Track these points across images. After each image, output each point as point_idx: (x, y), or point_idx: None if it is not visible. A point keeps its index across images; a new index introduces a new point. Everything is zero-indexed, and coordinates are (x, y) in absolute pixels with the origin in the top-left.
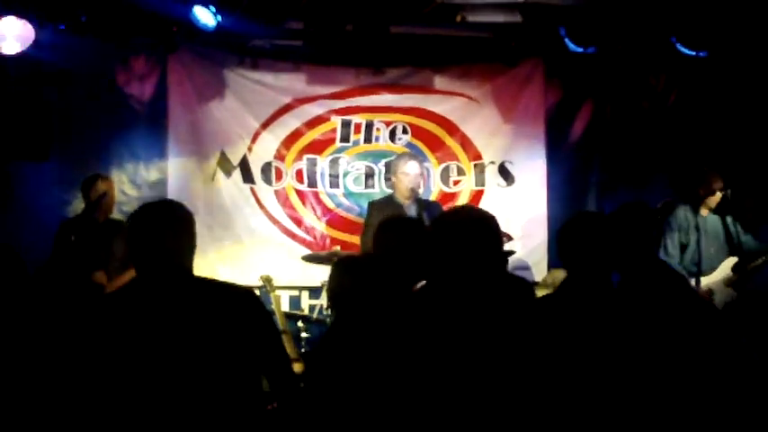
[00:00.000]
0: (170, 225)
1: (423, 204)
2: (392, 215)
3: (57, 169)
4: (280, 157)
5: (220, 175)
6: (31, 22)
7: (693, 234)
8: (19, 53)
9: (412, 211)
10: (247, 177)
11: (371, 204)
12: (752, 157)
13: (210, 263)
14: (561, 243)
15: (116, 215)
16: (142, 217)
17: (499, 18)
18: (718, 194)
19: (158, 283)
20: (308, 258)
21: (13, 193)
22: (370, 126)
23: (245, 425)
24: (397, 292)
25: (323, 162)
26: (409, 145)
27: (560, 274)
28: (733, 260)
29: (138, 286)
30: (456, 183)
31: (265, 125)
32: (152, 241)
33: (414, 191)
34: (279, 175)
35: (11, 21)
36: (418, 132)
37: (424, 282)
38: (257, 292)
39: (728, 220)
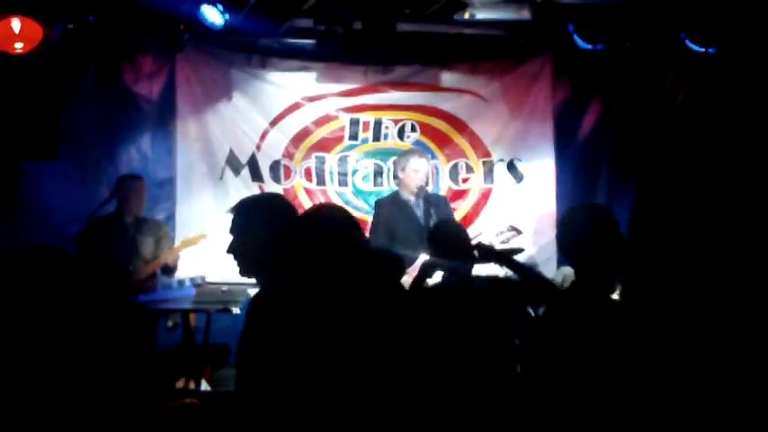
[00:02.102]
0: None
1: (430, 200)
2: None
3: (65, 168)
4: (288, 155)
5: (229, 173)
6: (39, 21)
7: None
8: (27, 52)
9: (419, 207)
10: (256, 176)
11: (378, 203)
12: (759, 157)
13: (220, 261)
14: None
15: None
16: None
17: (508, 15)
18: None
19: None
20: None
21: (21, 192)
22: (378, 124)
23: None
24: None
25: (332, 160)
26: (418, 143)
27: (569, 272)
28: None
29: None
30: (465, 180)
31: (274, 123)
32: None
33: (422, 188)
34: (287, 174)
35: (19, 20)
36: (427, 130)
37: None
38: None
39: None
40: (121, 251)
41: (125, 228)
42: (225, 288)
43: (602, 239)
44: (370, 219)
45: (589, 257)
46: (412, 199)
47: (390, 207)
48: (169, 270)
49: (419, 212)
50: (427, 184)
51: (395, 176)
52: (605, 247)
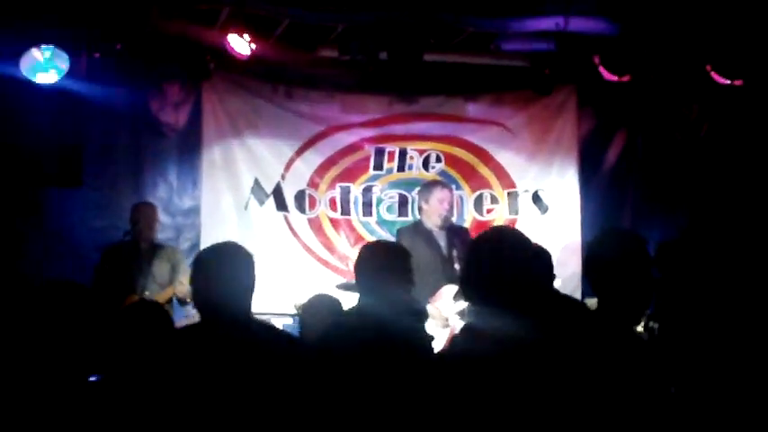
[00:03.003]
0: (226, 267)
1: (453, 230)
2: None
3: (90, 196)
4: (313, 185)
5: (254, 203)
6: (66, 51)
7: None
8: (54, 82)
9: (442, 237)
10: (281, 205)
11: (400, 231)
12: None
13: None
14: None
15: (155, 242)
16: (201, 260)
17: (533, 47)
18: None
19: (214, 326)
20: (342, 287)
21: (46, 219)
22: (403, 154)
23: None
24: None
25: (356, 190)
26: (443, 173)
27: (594, 304)
28: None
29: (198, 328)
30: (489, 211)
31: (299, 153)
32: (208, 284)
33: (447, 218)
34: (312, 204)
35: (46, 50)
36: (452, 160)
37: None
38: (290, 321)
39: None
40: (137, 277)
41: (140, 254)
42: None
43: (630, 266)
44: None
45: (615, 284)
46: (435, 229)
47: (413, 236)
48: (185, 302)
49: (442, 242)
50: (452, 214)
51: (419, 208)
52: (634, 275)
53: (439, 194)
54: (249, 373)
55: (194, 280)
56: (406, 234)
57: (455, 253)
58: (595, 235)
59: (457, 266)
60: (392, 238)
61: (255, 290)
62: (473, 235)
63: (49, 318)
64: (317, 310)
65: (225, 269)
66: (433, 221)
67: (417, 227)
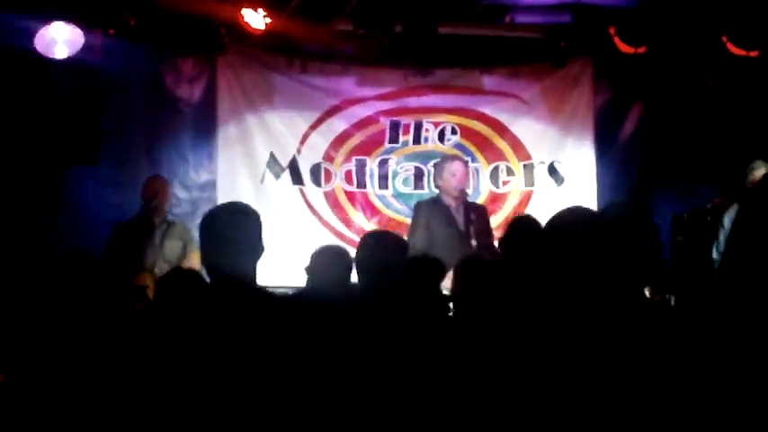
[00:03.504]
0: (231, 223)
1: (471, 207)
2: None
3: (106, 172)
4: (329, 158)
5: (269, 176)
6: (79, 26)
7: None
8: (68, 58)
9: (459, 213)
10: (296, 179)
11: (418, 204)
12: None
13: (259, 265)
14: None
15: (167, 217)
16: (205, 221)
17: (548, 19)
18: None
19: (218, 291)
20: None
21: (63, 196)
22: (418, 127)
23: None
24: None
25: (372, 163)
26: (458, 145)
27: None
28: None
29: (204, 294)
30: (505, 183)
31: (314, 127)
32: (215, 241)
33: (463, 191)
34: (328, 177)
35: (60, 26)
36: (467, 133)
37: None
38: None
39: None
40: (147, 254)
41: (152, 230)
42: None
43: (632, 234)
44: (409, 221)
45: (618, 252)
46: (453, 204)
47: (431, 209)
48: None
49: (459, 217)
50: (468, 186)
51: (436, 186)
52: (636, 243)
53: (450, 167)
54: (257, 335)
55: (201, 238)
56: (424, 208)
57: (472, 229)
58: (604, 207)
59: (473, 243)
60: (408, 211)
61: (271, 262)
62: (489, 208)
63: (59, 285)
64: (324, 258)
65: (230, 225)
66: (450, 196)
67: (436, 202)
